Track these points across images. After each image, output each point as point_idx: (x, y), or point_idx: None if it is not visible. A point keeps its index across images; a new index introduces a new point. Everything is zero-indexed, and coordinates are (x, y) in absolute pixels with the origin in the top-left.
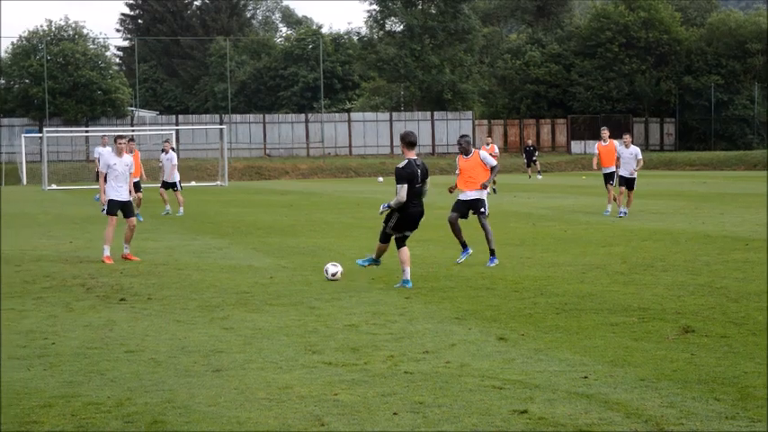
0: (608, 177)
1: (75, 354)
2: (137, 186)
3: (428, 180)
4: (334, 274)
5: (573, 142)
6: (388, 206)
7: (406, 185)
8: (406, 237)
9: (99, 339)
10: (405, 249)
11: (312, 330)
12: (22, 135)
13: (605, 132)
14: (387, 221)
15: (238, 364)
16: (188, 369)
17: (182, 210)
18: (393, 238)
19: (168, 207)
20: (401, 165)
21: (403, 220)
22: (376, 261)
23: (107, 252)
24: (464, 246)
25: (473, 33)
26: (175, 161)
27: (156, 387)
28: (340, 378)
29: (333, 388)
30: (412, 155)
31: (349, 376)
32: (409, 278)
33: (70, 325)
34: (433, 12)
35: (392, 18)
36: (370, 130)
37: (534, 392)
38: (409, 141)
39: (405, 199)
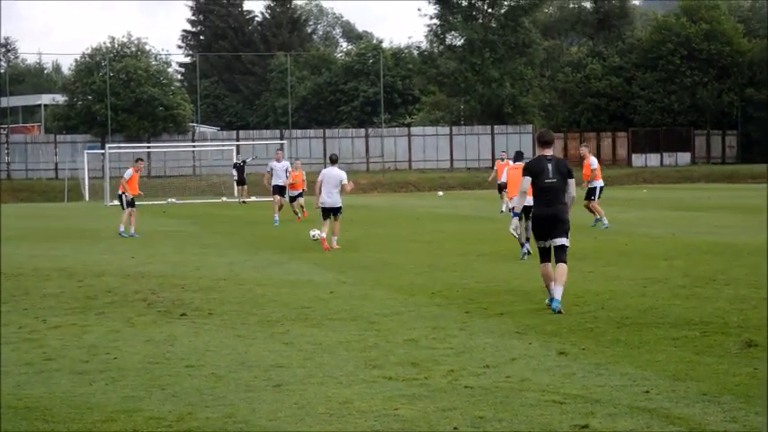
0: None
1: (137, 368)
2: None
3: (571, 181)
4: (314, 236)
5: (634, 155)
6: (515, 213)
7: (528, 178)
8: (561, 248)
9: (160, 354)
10: (562, 267)
11: (372, 345)
12: (85, 151)
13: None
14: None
15: (299, 378)
16: (248, 384)
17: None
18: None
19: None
20: (529, 160)
21: (537, 222)
22: (551, 300)
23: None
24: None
25: (534, 47)
26: (290, 169)
27: (216, 402)
28: (400, 393)
29: (393, 403)
30: (546, 152)
31: (409, 391)
32: (557, 296)
33: (132, 340)
34: (494, 25)
35: (452, 32)
36: (429, 145)
37: (595, 407)
38: (543, 140)
39: (525, 191)
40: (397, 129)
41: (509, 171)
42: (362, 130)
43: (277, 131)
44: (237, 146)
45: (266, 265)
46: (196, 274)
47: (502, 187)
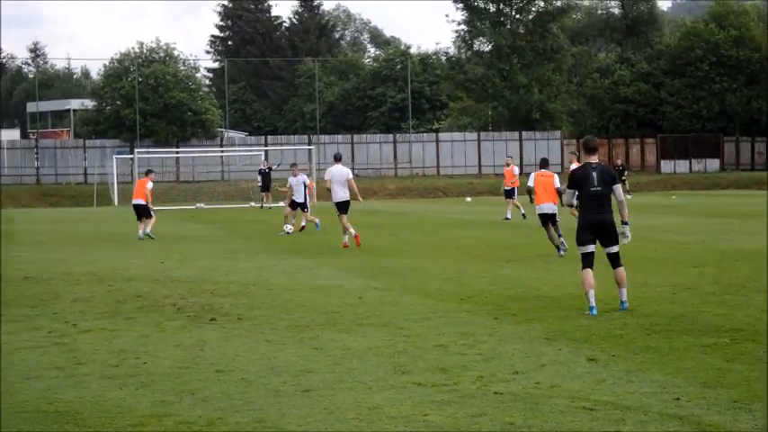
0: None
1: (167, 373)
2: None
3: (617, 187)
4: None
5: (662, 162)
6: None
7: (571, 190)
8: (613, 255)
9: (190, 359)
10: (620, 270)
11: (401, 351)
12: (114, 156)
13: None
14: (576, 240)
15: (328, 384)
16: (278, 389)
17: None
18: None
19: (288, 227)
20: (575, 167)
21: (583, 229)
22: (591, 308)
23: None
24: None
25: (562, 53)
26: (308, 182)
27: (246, 407)
28: (430, 399)
29: (422, 408)
30: (592, 159)
31: (438, 397)
32: (624, 299)
33: (161, 345)
34: (522, 31)
35: (480, 38)
36: (457, 150)
37: (626, 414)
38: (588, 147)
39: (572, 202)
40: (424, 134)
41: (537, 178)
42: (390, 136)
43: (305, 137)
44: (266, 151)
45: (295, 271)
46: (225, 279)
47: (509, 194)
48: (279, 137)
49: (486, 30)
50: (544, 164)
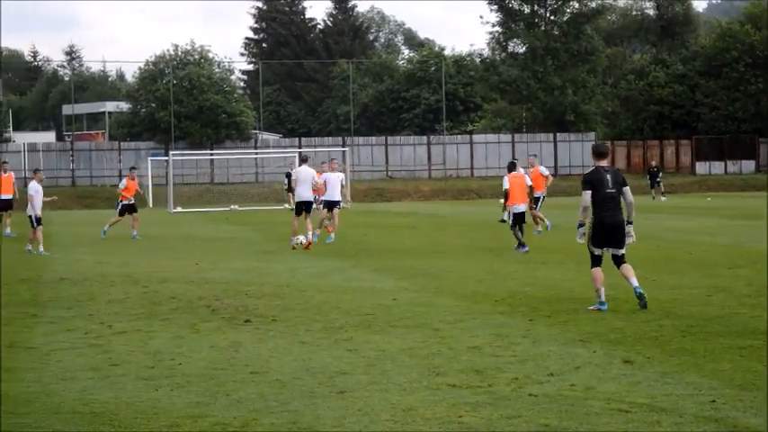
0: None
1: (202, 374)
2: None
3: (627, 189)
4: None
5: (698, 163)
6: (580, 224)
7: (589, 191)
8: (619, 257)
9: (225, 360)
10: (626, 265)
11: (436, 352)
12: (149, 158)
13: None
14: (589, 241)
15: (362, 385)
16: (312, 390)
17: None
18: (600, 257)
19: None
20: (588, 171)
21: (599, 231)
22: (601, 303)
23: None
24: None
25: (596, 54)
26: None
27: (281, 408)
28: (464, 400)
29: (457, 410)
30: (602, 163)
31: (473, 398)
32: (637, 284)
33: (196, 346)
34: (556, 33)
35: (514, 40)
36: (492, 152)
37: (661, 416)
38: (599, 152)
39: (588, 205)
40: (458, 136)
41: (512, 180)
42: (424, 138)
43: (339, 138)
44: (300, 153)
45: (328, 272)
46: (259, 280)
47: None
48: (313, 139)
49: (520, 31)
50: (513, 167)
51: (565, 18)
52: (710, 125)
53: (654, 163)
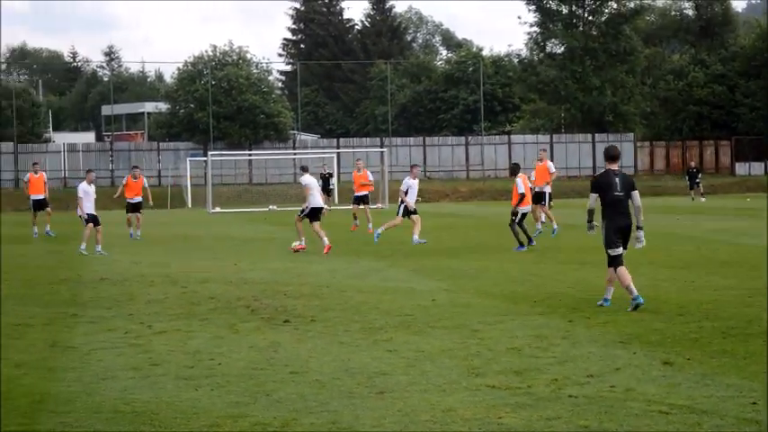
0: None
1: (241, 374)
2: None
3: (636, 193)
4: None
5: (737, 164)
6: (589, 221)
7: (596, 194)
8: (623, 255)
9: (264, 360)
10: (622, 268)
11: (475, 353)
12: (188, 159)
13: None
14: (604, 243)
15: (402, 386)
16: (352, 391)
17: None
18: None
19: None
20: (597, 174)
21: (612, 233)
22: (635, 299)
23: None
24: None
25: (635, 54)
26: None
27: (320, 408)
28: (504, 401)
29: (497, 411)
30: (613, 166)
31: (513, 399)
32: (610, 297)
33: (235, 346)
34: (595, 33)
35: (553, 40)
36: (530, 153)
37: (702, 418)
38: (609, 155)
39: (593, 206)
40: (496, 136)
41: (524, 182)
42: (462, 138)
43: (377, 139)
44: (338, 153)
45: (367, 273)
46: (298, 281)
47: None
48: (351, 139)
49: (558, 32)
50: (518, 169)
51: (603, 18)
52: (750, 125)
53: (693, 164)
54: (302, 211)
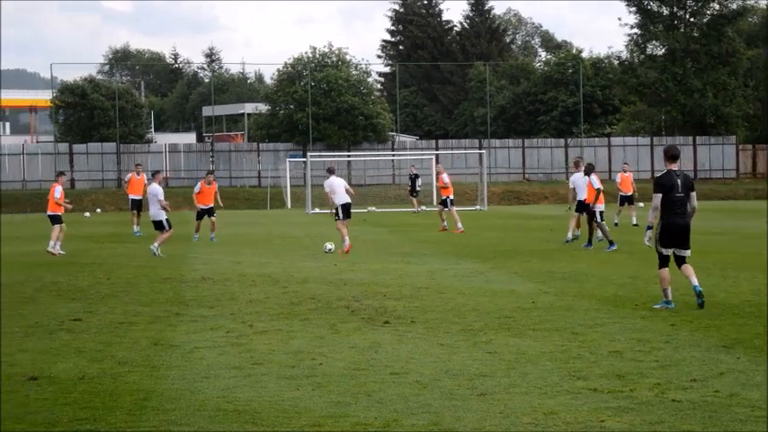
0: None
1: (342, 374)
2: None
3: (693, 194)
4: (330, 250)
5: None
6: (649, 227)
7: (659, 194)
8: (684, 258)
9: (365, 361)
10: (687, 265)
11: (576, 356)
12: (287, 159)
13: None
14: (657, 242)
15: (503, 388)
16: (453, 392)
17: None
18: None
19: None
20: (659, 174)
21: (667, 232)
22: (667, 302)
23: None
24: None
25: (737, 56)
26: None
27: (421, 409)
28: (606, 405)
29: (599, 415)
30: (673, 167)
31: (615, 403)
32: (696, 283)
33: (336, 346)
34: (696, 35)
35: (653, 42)
36: (630, 155)
37: None
38: (670, 155)
39: (658, 207)
40: (596, 139)
41: (599, 181)
42: (562, 140)
43: (476, 141)
44: (436, 155)
45: (466, 274)
46: (398, 282)
47: (625, 199)
48: (449, 141)
49: (659, 33)
50: (592, 168)
51: (705, 20)
52: None
53: None
54: (336, 214)
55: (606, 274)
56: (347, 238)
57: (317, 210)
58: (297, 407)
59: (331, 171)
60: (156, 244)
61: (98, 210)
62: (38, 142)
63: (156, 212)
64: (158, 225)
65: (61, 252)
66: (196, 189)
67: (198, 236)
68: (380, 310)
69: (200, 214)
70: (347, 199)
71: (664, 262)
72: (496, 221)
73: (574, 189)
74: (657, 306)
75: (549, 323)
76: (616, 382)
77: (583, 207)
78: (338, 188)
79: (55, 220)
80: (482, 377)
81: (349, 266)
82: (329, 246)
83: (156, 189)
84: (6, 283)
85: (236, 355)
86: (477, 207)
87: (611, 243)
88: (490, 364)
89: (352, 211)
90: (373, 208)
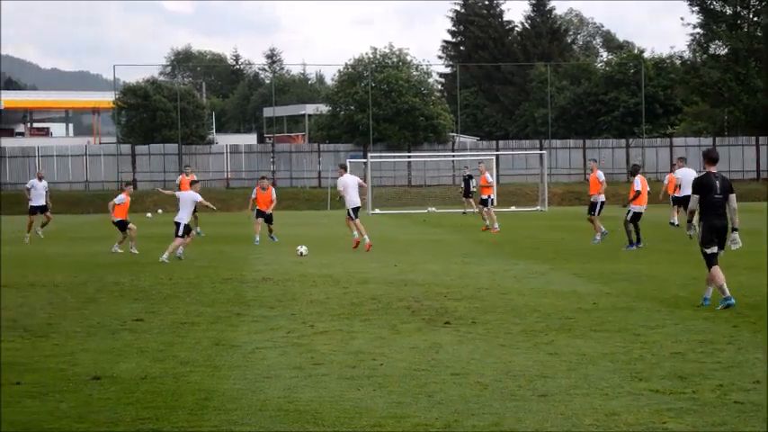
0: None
1: (403, 375)
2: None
3: (733, 196)
4: (302, 253)
5: None
6: (690, 223)
7: (696, 196)
8: (716, 255)
9: (425, 361)
10: (716, 268)
11: (638, 357)
12: (348, 160)
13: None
14: (700, 242)
15: (563, 389)
16: (514, 393)
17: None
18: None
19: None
20: (698, 176)
21: (708, 232)
22: (727, 299)
23: None
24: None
25: None
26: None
27: (482, 410)
28: (668, 406)
29: (661, 416)
30: (712, 169)
31: (677, 405)
32: (709, 296)
33: (397, 347)
34: (759, 34)
35: (716, 41)
36: (692, 156)
37: None
38: (709, 158)
39: (696, 207)
40: (658, 139)
41: (642, 182)
42: (623, 141)
43: (536, 141)
44: (497, 156)
45: (527, 275)
46: (458, 282)
47: (676, 200)
48: (510, 141)
49: (722, 33)
50: (638, 169)
51: None
52: None
53: None
54: (347, 213)
55: (667, 274)
56: (356, 233)
57: (377, 210)
58: (358, 407)
59: (343, 169)
60: (169, 253)
61: (159, 210)
62: (100, 143)
63: (182, 216)
64: (177, 229)
65: (134, 251)
66: (252, 195)
67: (259, 238)
68: (441, 310)
69: (259, 213)
70: (358, 202)
71: (711, 260)
72: (557, 222)
73: (672, 183)
74: (719, 307)
75: (610, 324)
76: (678, 384)
77: (679, 201)
78: (351, 188)
79: (121, 225)
80: (543, 378)
81: (409, 267)
82: (301, 249)
83: (193, 195)
84: (69, 283)
85: (297, 356)
86: (538, 208)
87: (631, 243)
88: (551, 365)
89: (413, 211)
90: (433, 209)
